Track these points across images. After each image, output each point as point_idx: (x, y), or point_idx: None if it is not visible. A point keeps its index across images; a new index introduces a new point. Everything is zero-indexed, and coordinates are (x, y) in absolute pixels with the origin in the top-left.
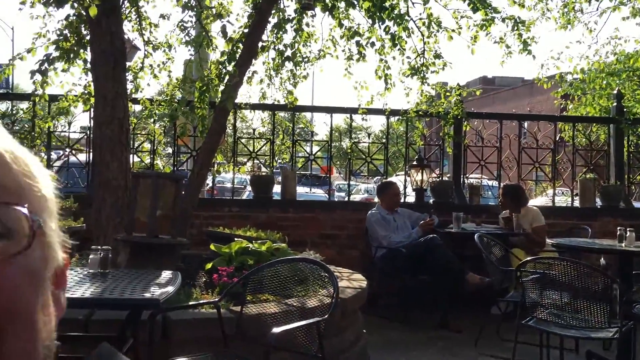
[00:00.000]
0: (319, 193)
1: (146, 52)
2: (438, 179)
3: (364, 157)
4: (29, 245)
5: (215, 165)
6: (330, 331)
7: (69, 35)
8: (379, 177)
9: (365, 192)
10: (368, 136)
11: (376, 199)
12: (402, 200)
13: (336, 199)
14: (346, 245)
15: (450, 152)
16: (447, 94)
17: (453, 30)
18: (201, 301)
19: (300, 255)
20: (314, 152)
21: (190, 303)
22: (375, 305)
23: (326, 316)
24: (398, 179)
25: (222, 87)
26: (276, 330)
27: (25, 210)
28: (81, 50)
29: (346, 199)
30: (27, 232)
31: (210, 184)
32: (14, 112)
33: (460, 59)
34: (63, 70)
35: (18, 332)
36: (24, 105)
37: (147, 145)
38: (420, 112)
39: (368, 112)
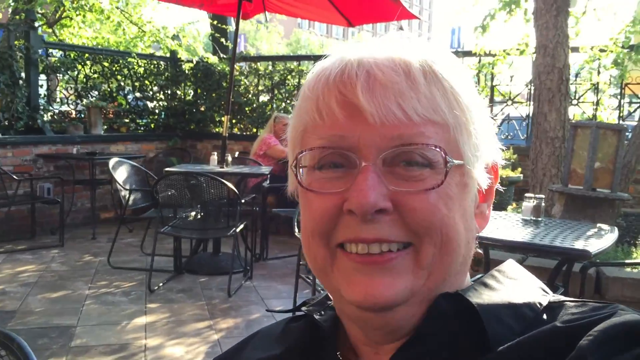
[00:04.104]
0: None
1: None
2: None
3: None
4: (442, 182)
5: None
6: None
7: None
8: None
9: None
10: None
11: None
12: None
13: None
14: None
15: None
16: None
17: None
18: None
19: None
20: None
21: (628, 261)
22: None
23: None
24: None
25: None
26: None
27: (443, 154)
28: (522, 0)
29: None
30: (443, 168)
31: None
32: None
33: None
34: (504, 22)
35: (433, 240)
36: (472, 62)
37: (590, 96)
38: None
39: None
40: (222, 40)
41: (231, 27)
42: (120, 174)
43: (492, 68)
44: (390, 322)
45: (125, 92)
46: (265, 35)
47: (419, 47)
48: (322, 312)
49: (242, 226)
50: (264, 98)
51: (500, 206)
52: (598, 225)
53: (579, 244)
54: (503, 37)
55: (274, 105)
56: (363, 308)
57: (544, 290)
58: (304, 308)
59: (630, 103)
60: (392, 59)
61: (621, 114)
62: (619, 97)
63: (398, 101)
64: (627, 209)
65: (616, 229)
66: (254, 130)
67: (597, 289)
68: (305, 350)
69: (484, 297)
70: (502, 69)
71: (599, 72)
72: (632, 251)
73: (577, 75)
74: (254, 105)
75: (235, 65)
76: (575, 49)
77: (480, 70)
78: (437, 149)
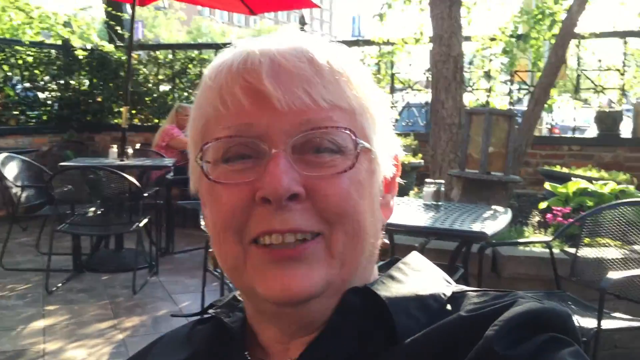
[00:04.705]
0: None
1: None
2: None
3: None
4: (353, 165)
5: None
6: None
7: None
8: None
9: None
10: None
11: None
12: None
13: None
14: None
15: None
16: None
17: None
18: (533, 239)
19: None
20: None
21: (521, 240)
22: None
23: None
24: None
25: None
26: (613, 276)
27: (352, 135)
28: None
29: None
30: (353, 152)
31: (551, 122)
32: (363, 58)
33: None
34: (401, 11)
35: (345, 229)
36: (373, 51)
37: (483, 83)
38: None
39: None
40: (118, 28)
41: (127, 14)
42: (11, 170)
43: (392, 56)
44: (306, 315)
45: (14, 82)
46: (164, 22)
47: (319, 40)
48: (230, 314)
49: (145, 220)
50: (164, 88)
51: (402, 191)
52: (493, 207)
53: (476, 226)
54: (402, 26)
55: (176, 95)
56: (280, 303)
57: (447, 281)
58: (211, 310)
59: (519, 89)
60: (294, 48)
61: (511, 100)
62: (509, 84)
63: (305, 87)
64: (518, 191)
65: (510, 210)
66: (156, 120)
67: (493, 268)
68: (213, 354)
69: (391, 290)
70: (402, 57)
71: (490, 60)
72: (524, 230)
73: (470, 64)
74: (155, 95)
75: (133, 54)
76: (468, 38)
77: (381, 58)
78: (347, 132)
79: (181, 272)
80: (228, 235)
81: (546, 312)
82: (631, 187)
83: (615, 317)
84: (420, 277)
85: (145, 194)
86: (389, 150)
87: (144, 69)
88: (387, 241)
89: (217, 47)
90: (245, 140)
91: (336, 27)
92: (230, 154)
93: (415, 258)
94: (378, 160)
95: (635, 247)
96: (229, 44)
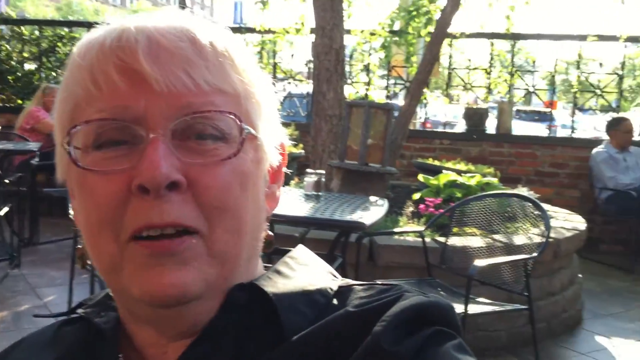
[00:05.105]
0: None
1: None
2: None
3: (593, 90)
4: (238, 151)
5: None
6: (539, 271)
7: None
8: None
9: None
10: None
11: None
12: (635, 138)
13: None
14: (566, 185)
15: None
16: None
17: None
18: (407, 229)
19: (511, 191)
20: (535, 85)
21: (396, 230)
22: (596, 251)
23: (535, 254)
24: (635, 115)
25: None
26: (479, 263)
27: (237, 120)
28: None
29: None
30: (238, 138)
31: (424, 117)
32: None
33: None
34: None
35: (226, 225)
36: (255, 38)
37: (362, 76)
38: None
39: (600, 39)
40: None
41: None
42: None
43: (274, 46)
44: (187, 317)
45: None
46: None
47: (201, 20)
48: (102, 314)
49: (6, 209)
50: (30, 66)
51: (283, 181)
52: (371, 197)
53: (355, 217)
54: (285, 16)
55: (43, 75)
56: (156, 305)
57: (333, 275)
58: (80, 310)
59: (395, 84)
60: (174, 27)
61: (388, 94)
62: (386, 78)
63: (186, 68)
64: (394, 182)
65: (386, 200)
66: (19, 101)
67: (370, 257)
68: (82, 357)
69: (278, 285)
70: (284, 47)
71: (369, 55)
72: (399, 220)
73: (350, 57)
74: (19, 74)
75: None
76: (348, 32)
77: (263, 47)
78: (232, 117)
79: (47, 264)
80: (103, 232)
81: (431, 306)
82: (495, 180)
83: (479, 302)
84: (307, 272)
85: (7, 180)
86: (275, 138)
87: (7, 46)
88: (271, 232)
89: (89, 25)
90: (119, 124)
91: (217, 12)
92: (102, 139)
93: (301, 252)
94: (264, 148)
95: (498, 236)
96: (102, 22)
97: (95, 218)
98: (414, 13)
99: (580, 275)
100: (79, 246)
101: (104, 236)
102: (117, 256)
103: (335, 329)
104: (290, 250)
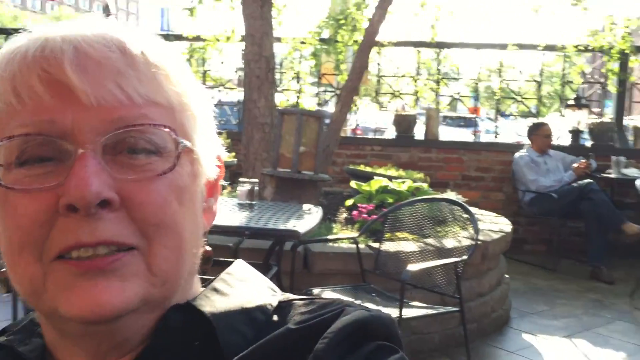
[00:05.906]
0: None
1: None
2: (598, 120)
3: (514, 96)
4: (174, 166)
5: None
6: (469, 273)
7: None
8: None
9: None
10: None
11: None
12: (554, 142)
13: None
14: (491, 188)
15: (613, 91)
16: (613, 25)
17: None
18: (341, 235)
19: (441, 196)
20: (459, 92)
21: (330, 237)
22: (521, 251)
23: (465, 257)
24: (553, 120)
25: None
26: (412, 268)
27: (172, 134)
28: None
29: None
30: (173, 152)
31: (354, 124)
32: None
33: None
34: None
35: (165, 242)
36: (184, 46)
37: (293, 84)
38: (580, 47)
39: (520, 48)
40: None
41: None
42: None
43: (204, 53)
44: (119, 333)
45: None
46: None
47: (130, 29)
48: (27, 341)
49: None
50: None
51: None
52: (305, 205)
53: (289, 225)
54: (214, 23)
55: None
56: (87, 321)
57: (273, 289)
58: (1, 338)
59: (325, 92)
60: (102, 36)
61: (319, 102)
62: (317, 85)
63: (116, 80)
64: (327, 188)
65: (320, 208)
66: None
67: (305, 265)
68: None
69: (216, 304)
70: (213, 54)
71: (300, 62)
72: (333, 227)
73: (281, 65)
74: None
75: None
76: (279, 40)
77: (192, 55)
78: (166, 129)
79: None
80: (24, 253)
81: (373, 321)
82: (425, 185)
83: (413, 306)
84: (245, 288)
85: None
86: (211, 151)
87: None
88: (209, 248)
89: (7, 32)
90: (45, 139)
91: (143, 19)
92: (26, 155)
93: (239, 267)
94: (201, 161)
95: (430, 240)
96: (22, 29)
97: (16, 239)
98: (342, 22)
99: (507, 276)
100: (2, 270)
101: (26, 258)
102: (39, 277)
103: (277, 348)
104: (228, 261)
